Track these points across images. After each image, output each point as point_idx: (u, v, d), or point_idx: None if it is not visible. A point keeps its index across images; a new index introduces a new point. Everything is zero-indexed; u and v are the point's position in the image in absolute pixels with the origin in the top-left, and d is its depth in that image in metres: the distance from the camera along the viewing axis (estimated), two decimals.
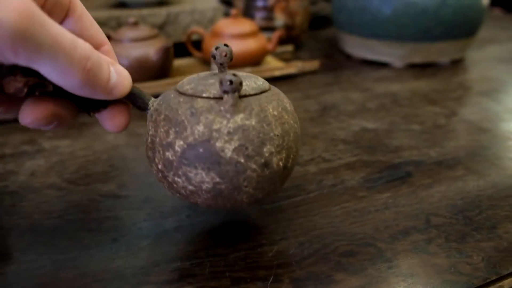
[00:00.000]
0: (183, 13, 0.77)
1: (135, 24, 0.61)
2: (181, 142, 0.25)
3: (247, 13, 0.84)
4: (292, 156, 0.28)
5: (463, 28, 0.72)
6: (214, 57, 0.28)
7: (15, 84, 0.22)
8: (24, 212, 0.36)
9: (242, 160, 0.25)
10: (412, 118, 0.54)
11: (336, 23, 0.82)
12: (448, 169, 0.42)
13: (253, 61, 0.68)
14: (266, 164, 0.26)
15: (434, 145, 0.46)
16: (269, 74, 0.67)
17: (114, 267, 0.30)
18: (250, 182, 0.26)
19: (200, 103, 0.26)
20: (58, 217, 0.36)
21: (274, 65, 0.70)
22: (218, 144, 0.24)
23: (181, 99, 0.27)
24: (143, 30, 0.61)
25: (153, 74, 0.61)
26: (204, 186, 0.26)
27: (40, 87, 0.23)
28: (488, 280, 0.28)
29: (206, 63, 0.72)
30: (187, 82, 0.28)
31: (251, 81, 0.28)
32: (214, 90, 0.26)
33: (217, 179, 0.25)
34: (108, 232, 0.33)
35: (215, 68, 0.31)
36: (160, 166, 0.26)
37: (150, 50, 0.60)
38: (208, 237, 0.32)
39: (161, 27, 0.75)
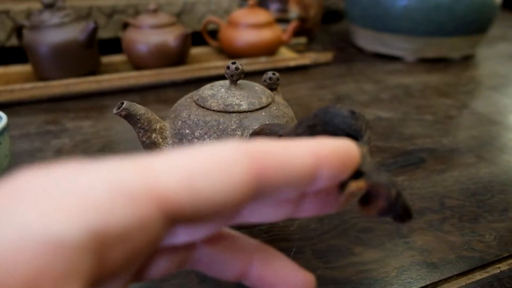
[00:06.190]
0: (199, 3, 0.78)
1: (155, 11, 0.63)
2: None
3: (262, 4, 0.85)
4: None
5: (475, 24, 0.73)
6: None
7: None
8: None
9: None
10: (424, 109, 0.55)
11: (349, 17, 0.83)
12: (461, 156, 0.43)
13: (268, 51, 0.69)
14: None
15: (447, 134, 0.48)
16: (283, 64, 0.68)
17: None
18: None
19: None
20: None
21: (289, 56, 0.71)
22: None
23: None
24: (163, 18, 0.63)
25: (171, 60, 0.62)
26: None
27: None
28: (500, 257, 0.29)
29: (221, 52, 0.74)
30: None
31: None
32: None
33: None
34: None
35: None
36: None
37: (169, 37, 0.61)
38: None
39: (177, 16, 0.76)
